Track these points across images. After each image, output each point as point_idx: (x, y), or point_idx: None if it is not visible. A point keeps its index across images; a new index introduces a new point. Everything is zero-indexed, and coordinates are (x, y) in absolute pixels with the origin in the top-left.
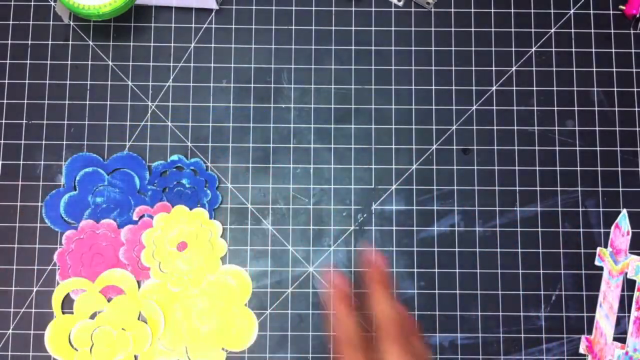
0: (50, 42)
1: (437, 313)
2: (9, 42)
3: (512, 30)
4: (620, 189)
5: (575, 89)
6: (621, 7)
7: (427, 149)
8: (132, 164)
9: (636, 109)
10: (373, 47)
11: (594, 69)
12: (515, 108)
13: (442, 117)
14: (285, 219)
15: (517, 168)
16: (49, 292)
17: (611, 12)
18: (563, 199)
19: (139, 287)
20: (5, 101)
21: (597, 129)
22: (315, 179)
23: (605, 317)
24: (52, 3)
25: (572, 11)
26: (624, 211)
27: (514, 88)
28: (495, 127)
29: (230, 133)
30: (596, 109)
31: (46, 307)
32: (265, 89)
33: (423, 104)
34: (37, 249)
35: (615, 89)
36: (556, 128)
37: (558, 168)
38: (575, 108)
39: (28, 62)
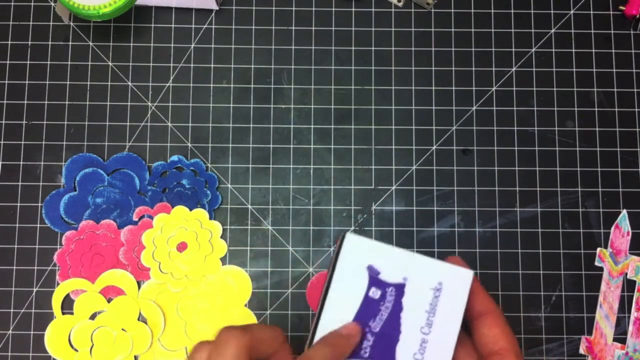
0: (50, 43)
1: None
2: (9, 42)
3: (512, 30)
4: (620, 190)
5: (575, 89)
6: (621, 7)
7: (427, 150)
8: (132, 165)
9: (636, 109)
10: (373, 48)
11: (594, 70)
12: (515, 108)
13: (442, 117)
14: (285, 219)
15: (517, 168)
16: (49, 292)
17: (611, 12)
18: (563, 199)
19: (139, 287)
20: (5, 101)
21: (597, 129)
22: (315, 179)
23: (605, 318)
24: (52, 3)
25: (572, 12)
26: (624, 212)
27: (514, 88)
28: (495, 128)
29: (230, 133)
30: (596, 109)
31: (46, 307)
32: (265, 90)
33: (423, 104)
34: (37, 250)
35: (615, 89)
36: (556, 128)
37: (558, 168)
38: (575, 108)
39: (28, 62)
